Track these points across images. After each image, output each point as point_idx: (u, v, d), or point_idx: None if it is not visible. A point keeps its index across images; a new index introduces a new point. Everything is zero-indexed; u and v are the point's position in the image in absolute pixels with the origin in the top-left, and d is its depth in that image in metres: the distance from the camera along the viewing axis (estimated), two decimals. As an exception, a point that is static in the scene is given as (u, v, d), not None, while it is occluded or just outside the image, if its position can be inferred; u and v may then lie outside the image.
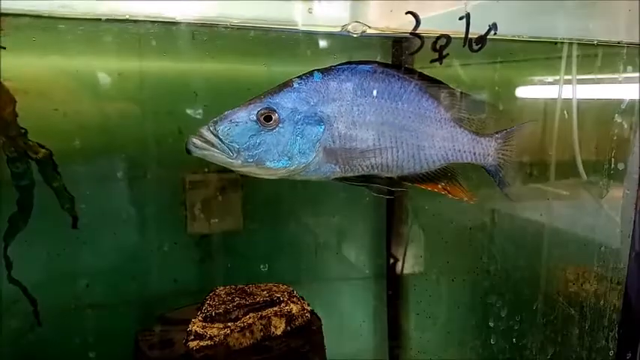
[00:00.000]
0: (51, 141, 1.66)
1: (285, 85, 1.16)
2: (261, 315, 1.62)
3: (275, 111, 1.13)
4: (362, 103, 1.16)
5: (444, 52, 1.09)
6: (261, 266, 2.00)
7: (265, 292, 1.74)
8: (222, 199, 2.03)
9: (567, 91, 1.59)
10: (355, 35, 1.12)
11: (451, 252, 1.92)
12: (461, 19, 1.08)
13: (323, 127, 1.15)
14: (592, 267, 1.76)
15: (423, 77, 1.20)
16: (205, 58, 1.89)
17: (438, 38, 1.09)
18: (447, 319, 2.02)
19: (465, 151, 1.23)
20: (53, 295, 1.80)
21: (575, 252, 1.79)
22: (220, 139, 1.12)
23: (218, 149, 1.12)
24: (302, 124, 1.14)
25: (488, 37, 1.11)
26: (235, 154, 1.12)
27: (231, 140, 1.12)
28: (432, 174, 1.24)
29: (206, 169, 2.00)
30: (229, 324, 1.58)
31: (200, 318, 1.60)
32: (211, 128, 1.12)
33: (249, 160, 1.13)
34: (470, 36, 1.10)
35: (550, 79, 1.73)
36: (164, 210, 2.00)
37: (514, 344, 1.78)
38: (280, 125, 1.13)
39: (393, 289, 2.16)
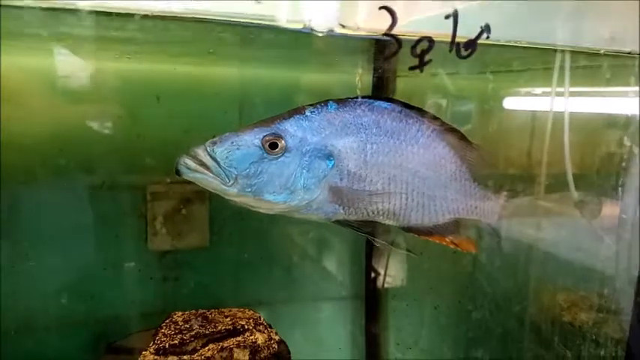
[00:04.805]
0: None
1: (295, 112, 1.08)
2: (222, 346, 1.46)
3: (282, 138, 1.04)
4: (376, 142, 1.08)
5: (426, 58, 0.93)
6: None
7: (228, 320, 1.57)
8: (187, 213, 1.90)
9: (564, 104, 1.45)
10: (320, 34, 0.95)
11: (434, 276, 1.77)
12: (447, 17, 0.92)
13: (332, 162, 1.06)
14: (586, 294, 1.63)
15: (442, 124, 1.13)
16: (164, 58, 1.75)
17: (419, 41, 0.93)
18: (430, 350, 1.86)
19: (476, 207, 1.18)
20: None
21: (569, 278, 1.66)
22: (217, 162, 1.01)
23: (213, 173, 1.02)
24: (310, 157, 1.05)
25: (479, 41, 0.95)
26: (232, 181, 1.02)
27: (229, 164, 1.02)
28: (439, 227, 1.16)
29: (169, 179, 1.84)
30: (185, 357, 1.41)
31: (152, 350, 1.43)
32: (209, 149, 1.02)
33: (247, 190, 1.03)
34: (458, 40, 0.95)
35: (545, 89, 1.59)
36: (122, 224, 1.86)
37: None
38: (286, 154, 1.04)
39: (371, 313, 2.00)
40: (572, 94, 1.41)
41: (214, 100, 1.82)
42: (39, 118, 1.68)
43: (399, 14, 0.93)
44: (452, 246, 1.15)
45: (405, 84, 1.69)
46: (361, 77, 1.68)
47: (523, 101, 1.68)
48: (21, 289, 1.70)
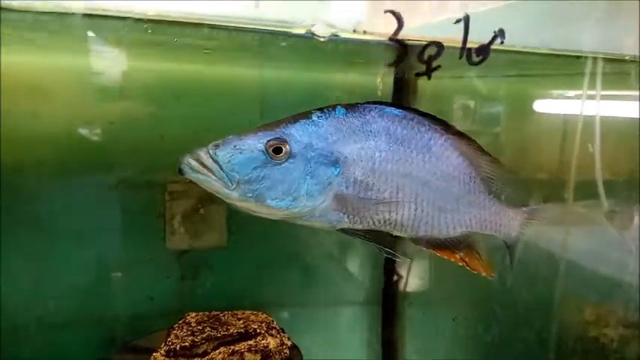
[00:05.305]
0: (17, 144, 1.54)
1: (302, 116, 1.05)
2: (232, 350, 1.45)
3: (286, 142, 1.01)
4: (385, 150, 1.05)
5: (434, 64, 0.88)
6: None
7: (241, 322, 1.56)
8: (205, 212, 1.89)
9: (593, 109, 1.38)
10: (322, 39, 0.91)
11: (453, 284, 1.72)
12: (457, 22, 0.87)
13: (338, 169, 1.03)
14: (613, 308, 1.55)
15: (457, 133, 1.08)
16: (191, 60, 1.74)
17: (426, 47, 0.88)
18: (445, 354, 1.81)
19: (490, 222, 1.12)
20: (10, 314, 1.66)
21: (595, 291, 1.58)
22: (219, 166, 0.99)
23: (215, 176, 0.99)
24: (315, 163, 1.02)
25: (492, 46, 0.89)
26: (234, 185, 1.00)
27: (231, 169, 1.00)
28: (450, 241, 1.11)
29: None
30: (195, 360, 1.40)
31: (162, 352, 1.43)
32: (211, 151, 1.00)
33: (249, 195, 1.01)
34: (470, 45, 0.90)
35: (571, 93, 1.52)
36: (141, 222, 1.86)
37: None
38: (290, 160, 1.01)
39: (388, 319, 1.96)
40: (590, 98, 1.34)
41: (235, 100, 1.81)
42: (59, 117, 1.69)
43: (413, 17, 0.89)
44: (461, 264, 1.09)
45: (423, 86, 1.65)
46: (383, 78, 1.64)
47: (549, 105, 1.61)
48: (38, 287, 1.73)
